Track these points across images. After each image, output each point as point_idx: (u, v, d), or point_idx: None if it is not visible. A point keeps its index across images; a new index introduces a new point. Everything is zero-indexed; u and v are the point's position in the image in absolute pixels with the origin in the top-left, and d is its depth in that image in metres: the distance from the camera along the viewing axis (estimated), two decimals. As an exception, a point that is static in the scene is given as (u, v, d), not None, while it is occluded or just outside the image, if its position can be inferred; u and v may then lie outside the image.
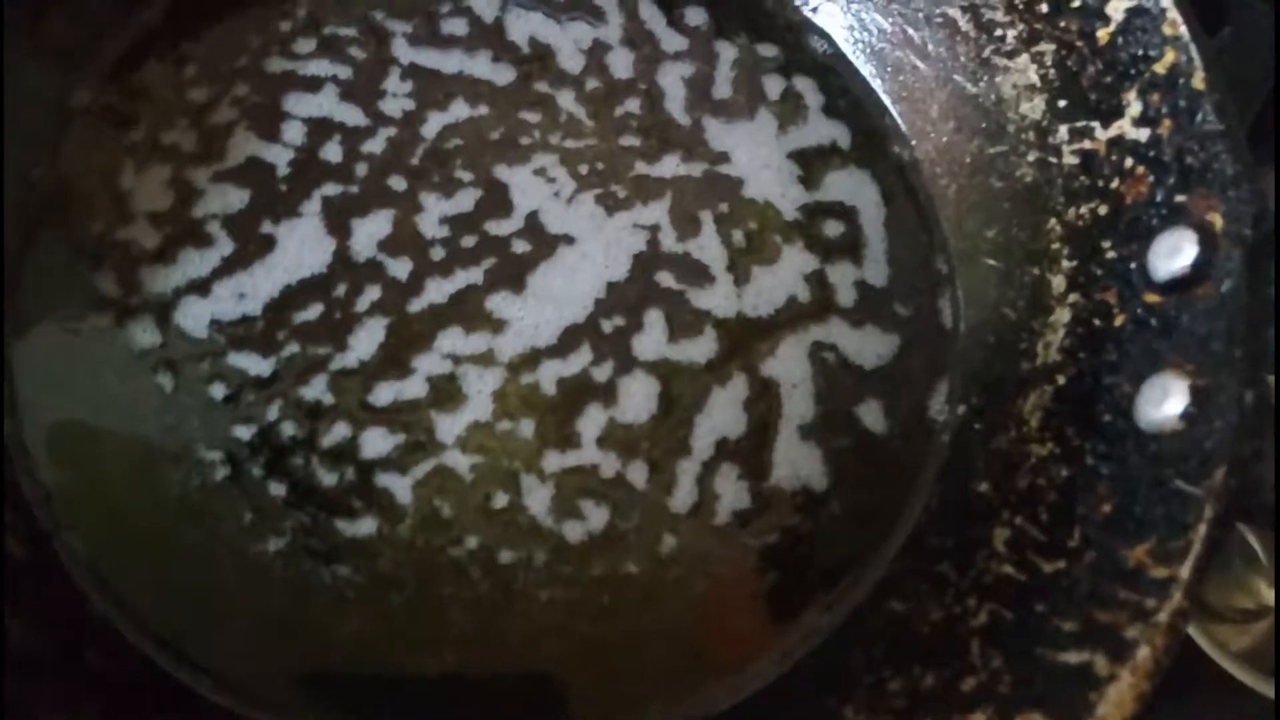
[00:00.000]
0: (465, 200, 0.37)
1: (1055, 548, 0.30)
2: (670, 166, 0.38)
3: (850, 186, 0.38)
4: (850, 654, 0.31)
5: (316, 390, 0.34)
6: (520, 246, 0.36)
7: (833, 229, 0.38)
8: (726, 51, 0.40)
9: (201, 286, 0.35)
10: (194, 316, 0.34)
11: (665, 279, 0.36)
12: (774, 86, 0.40)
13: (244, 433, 0.33)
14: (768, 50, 0.40)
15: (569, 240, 0.37)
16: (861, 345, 0.36)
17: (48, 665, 0.29)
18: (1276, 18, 0.46)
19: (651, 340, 0.36)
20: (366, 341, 0.35)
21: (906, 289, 0.37)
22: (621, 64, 0.39)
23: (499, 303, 0.36)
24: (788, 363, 0.36)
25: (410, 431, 0.34)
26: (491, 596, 0.32)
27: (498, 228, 0.37)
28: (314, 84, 0.38)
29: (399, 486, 0.33)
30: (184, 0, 0.38)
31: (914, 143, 0.39)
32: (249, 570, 0.32)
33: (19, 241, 0.35)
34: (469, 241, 0.36)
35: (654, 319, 0.36)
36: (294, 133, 0.37)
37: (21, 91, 0.35)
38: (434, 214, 0.36)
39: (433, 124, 0.38)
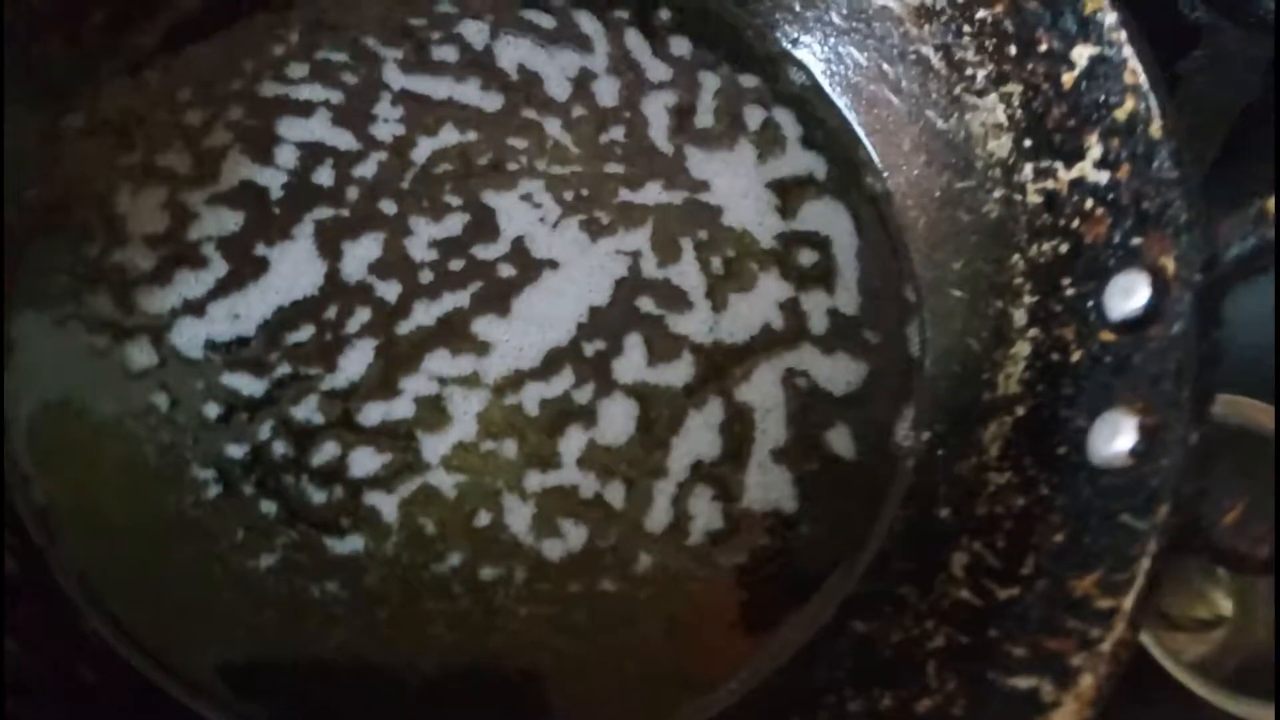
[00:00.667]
0: (454, 224, 0.38)
1: (1010, 575, 0.31)
2: (653, 194, 0.39)
3: (825, 216, 0.40)
4: (815, 673, 0.33)
5: (307, 410, 0.35)
6: (506, 270, 0.38)
7: (807, 258, 0.39)
8: (709, 81, 0.41)
9: (197, 308, 0.36)
10: (189, 337, 0.36)
11: (646, 304, 0.38)
12: (754, 117, 0.41)
13: (236, 451, 0.34)
14: (749, 81, 0.41)
15: (553, 265, 0.38)
16: (832, 372, 0.38)
17: (41, 680, 0.30)
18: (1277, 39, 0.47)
19: (631, 364, 0.37)
20: (356, 363, 0.36)
21: (876, 317, 0.39)
22: (607, 92, 0.41)
23: (484, 325, 0.37)
24: (762, 388, 0.37)
25: (397, 451, 0.35)
26: (473, 612, 0.34)
27: (484, 252, 0.38)
28: (306, 108, 0.39)
29: (386, 505, 0.34)
30: (178, 25, 0.39)
31: (886, 175, 0.40)
32: (241, 586, 0.33)
33: (14, 261, 0.36)
34: (456, 265, 0.37)
35: (634, 343, 0.37)
36: (287, 156, 0.38)
37: (15, 113, 0.36)
38: (423, 237, 0.38)
39: (423, 149, 0.39)
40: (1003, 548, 0.32)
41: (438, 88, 0.40)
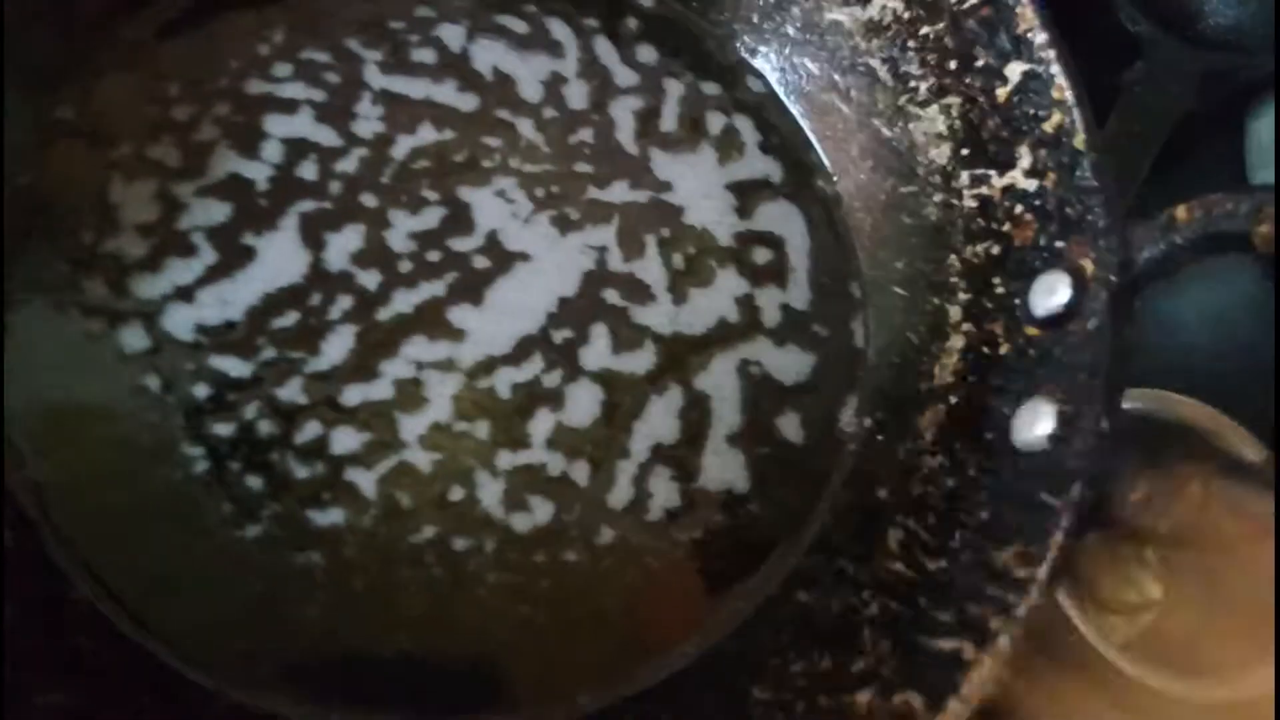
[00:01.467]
0: (431, 218, 0.40)
1: (939, 548, 0.34)
2: (619, 192, 0.42)
3: (779, 217, 0.42)
4: (761, 639, 0.35)
5: (291, 392, 0.37)
6: (480, 262, 0.40)
7: (762, 255, 0.42)
8: (673, 88, 0.44)
9: (187, 294, 0.38)
10: (180, 321, 0.37)
11: (611, 296, 0.40)
12: (715, 122, 0.43)
13: (225, 430, 0.36)
14: (710, 88, 0.44)
15: (525, 257, 0.40)
16: (784, 363, 0.40)
17: (36, 648, 0.32)
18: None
19: (597, 352, 0.39)
20: (337, 347, 0.38)
21: (825, 312, 0.41)
22: (577, 95, 0.43)
23: (459, 314, 0.39)
24: (718, 377, 0.40)
25: (376, 430, 0.37)
26: (444, 580, 0.36)
27: (460, 244, 0.40)
28: (290, 106, 0.41)
29: (364, 480, 0.36)
30: (167, 21, 0.41)
31: (836, 179, 0.43)
32: (227, 556, 0.35)
33: (10, 247, 0.37)
34: (434, 256, 0.40)
35: (600, 332, 0.40)
36: (272, 151, 0.40)
37: (8, 103, 0.37)
38: (402, 230, 0.40)
39: (402, 146, 0.41)
40: (933, 524, 0.35)
41: (416, 88, 0.42)
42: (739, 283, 0.41)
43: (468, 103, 0.42)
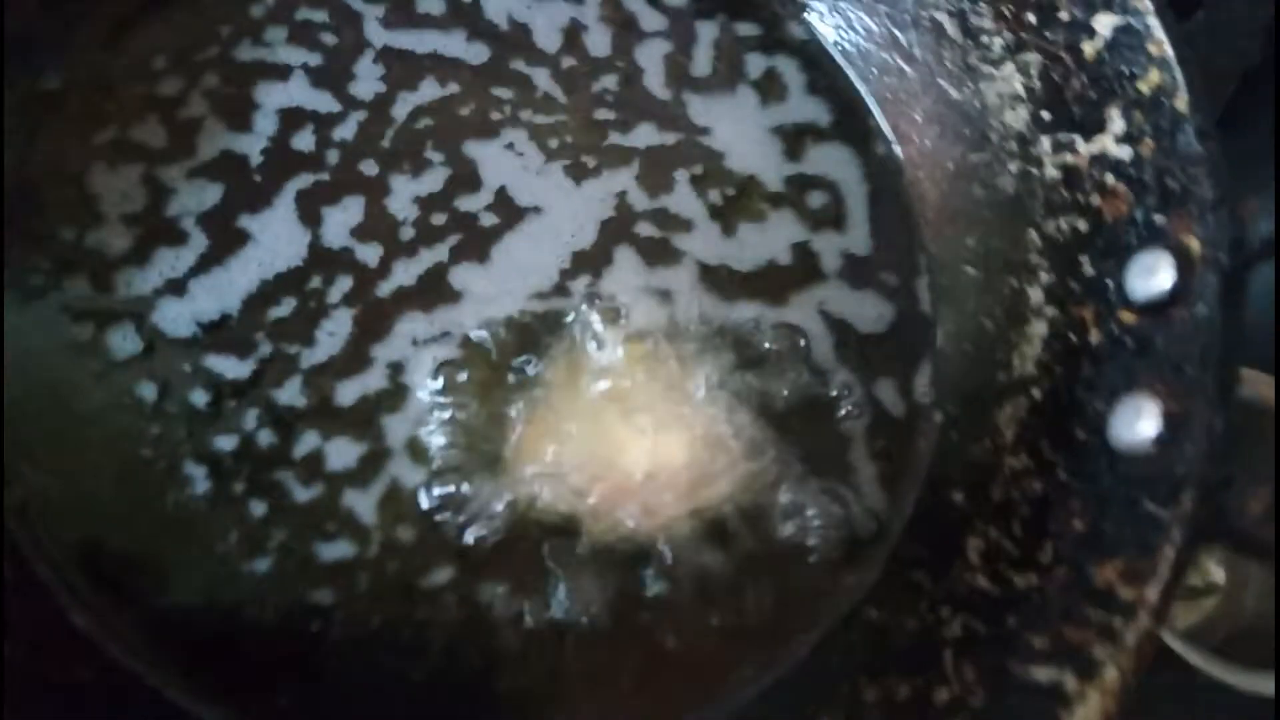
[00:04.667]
0: (435, 179, 0.37)
1: (1028, 562, 0.31)
2: (644, 135, 0.38)
3: (833, 161, 0.39)
4: (829, 661, 0.32)
5: (290, 394, 0.34)
6: (488, 219, 0.36)
7: (817, 200, 0.38)
8: (706, 30, 0.40)
9: (178, 287, 0.34)
10: (173, 317, 0.34)
11: (643, 228, 0.37)
12: (755, 64, 0.40)
13: (226, 444, 0.33)
14: (748, 29, 0.40)
15: (537, 211, 0.37)
16: (859, 308, 0.37)
17: (32, 677, 0.29)
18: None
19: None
20: (333, 334, 0.35)
21: (890, 260, 0.38)
22: (599, 43, 0.39)
23: (463, 275, 0.36)
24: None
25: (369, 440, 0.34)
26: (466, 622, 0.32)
27: (467, 204, 0.37)
28: (284, 72, 0.37)
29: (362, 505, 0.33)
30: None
31: (897, 145, 0.39)
32: (240, 591, 0.32)
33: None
34: (439, 219, 0.36)
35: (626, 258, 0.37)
36: (266, 123, 0.37)
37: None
38: (404, 195, 0.36)
39: (403, 105, 0.37)
40: (1020, 534, 0.31)
41: (421, 42, 0.38)
42: (796, 228, 0.38)
43: (477, 55, 0.38)
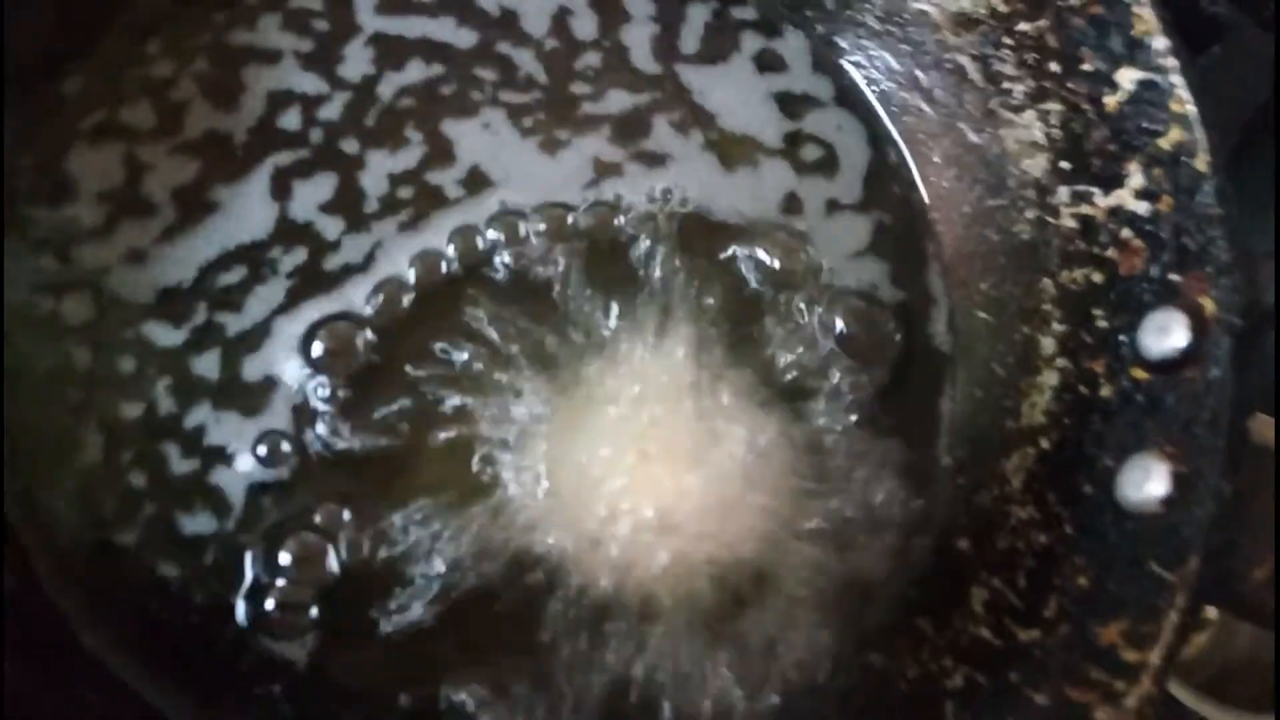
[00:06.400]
0: (410, 156, 0.37)
1: (1031, 616, 0.31)
2: (619, 101, 0.38)
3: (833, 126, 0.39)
4: (829, 708, 0.32)
5: (207, 365, 0.34)
6: (455, 193, 0.36)
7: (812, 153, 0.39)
8: (696, 13, 0.40)
9: (140, 255, 0.34)
10: (131, 286, 0.34)
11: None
12: (751, 43, 0.40)
13: (131, 412, 0.33)
14: (743, 13, 0.40)
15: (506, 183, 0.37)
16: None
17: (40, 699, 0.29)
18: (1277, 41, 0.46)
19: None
20: (264, 302, 0.35)
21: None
22: (586, 27, 0.39)
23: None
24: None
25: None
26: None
27: (438, 178, 0.36)
28: (274, 56, 0.37)
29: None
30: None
31: (919, 185, 0.39)
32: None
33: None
34: (405, 193, 0.36)
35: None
36: (254, 104, 0.36)
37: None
38: (379, 172, 0.36)
39: (388, 85, 0.37)
40: (1024, 586, 0.32)
41: (411, 27, 0.38)
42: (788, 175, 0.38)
43: (466, 39, 0.38)
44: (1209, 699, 0.43)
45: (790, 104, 0.39)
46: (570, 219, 0.36)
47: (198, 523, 0.33)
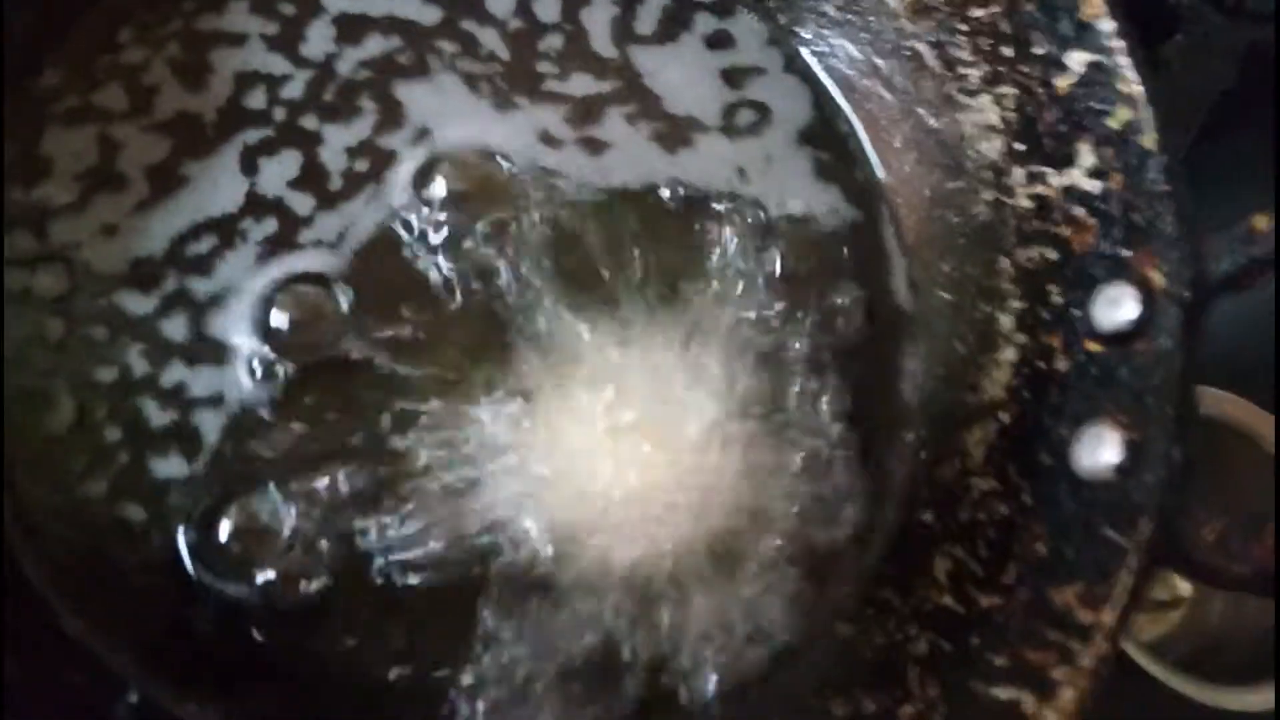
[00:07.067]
0: (364, 125, 0.37)
1: (991, 582, 0.32)
2: (581, 85, 0.39)
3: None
4: (798, 676, 0.33)
5: (174, 327, 0.34)
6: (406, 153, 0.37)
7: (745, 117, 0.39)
8: None
9: (112, 229, 0.34)
10: (104, 258, 0.34)
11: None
12: (705, 23, 0.40)
13: (106, 376, 0.33)
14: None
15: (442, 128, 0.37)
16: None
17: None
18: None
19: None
20: (231, 268, 0.35)
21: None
22: (549, 11, 0.40)
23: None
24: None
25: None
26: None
27: (388, 141, 0.37)
28: (240, 39, 0.37)
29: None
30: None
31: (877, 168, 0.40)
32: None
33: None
34: (362, 166, 0.36)
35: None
36: (221, 85, 0.37)
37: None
38: (336, 144, 0.37)
39: (346, 61, 0.38)
40: (985, 555, 0.33)
41: (376, 5, 0.38)
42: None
43: (430, 15, 0.39)
44: (1182, 673, 0.44)
45: (736, 77, 0.40)
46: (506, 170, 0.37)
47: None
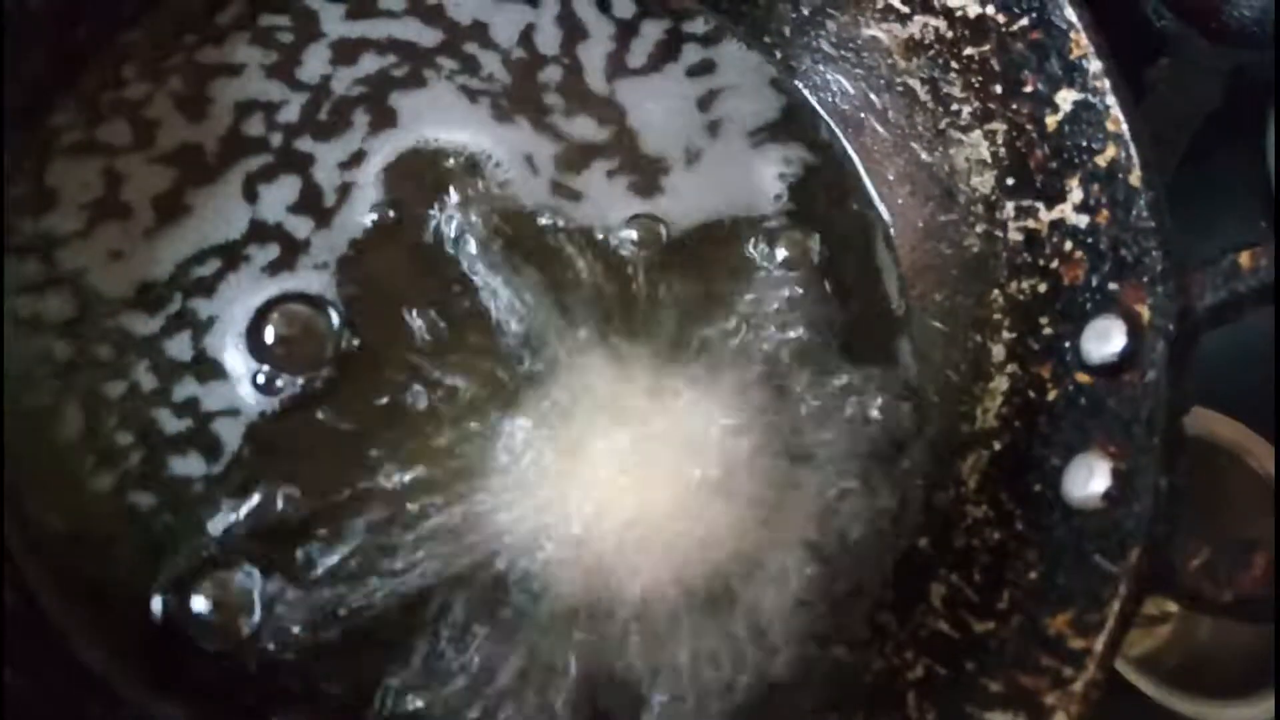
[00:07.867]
0: (355, 136, 0.38)
1: (986, 608, 0.33)
2: (582, 128, 0.40)
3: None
4: (797, 699, 0.34)
5: (179, 347, 0.35)
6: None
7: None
8: (650, 29, 0.42)
9: (119, 255, 0.35)
10: (112, 283, 0.35)
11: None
12: (691, 54, 0.42)
13: (114, 391, 0.34)
14: (695, 27, 0.42)
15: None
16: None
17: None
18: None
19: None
20: (227, 295, 0.35)
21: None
22: (549, 42, 0.41)
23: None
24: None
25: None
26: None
27: (375, 144, 0.38)
28: (239, 69, 0.38)
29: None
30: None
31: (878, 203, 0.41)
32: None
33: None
34: (351, 175, 0.37)
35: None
36: (221, 114, 0.38)
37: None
38: (329, 162, 0.38)
39: (340, 81, 0.39)
40: (979, 581, 0.33)
41: (376, 29, 0.40)
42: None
43: (430, 38, 0.40)
44: (1171, 688, 0.45)
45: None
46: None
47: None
